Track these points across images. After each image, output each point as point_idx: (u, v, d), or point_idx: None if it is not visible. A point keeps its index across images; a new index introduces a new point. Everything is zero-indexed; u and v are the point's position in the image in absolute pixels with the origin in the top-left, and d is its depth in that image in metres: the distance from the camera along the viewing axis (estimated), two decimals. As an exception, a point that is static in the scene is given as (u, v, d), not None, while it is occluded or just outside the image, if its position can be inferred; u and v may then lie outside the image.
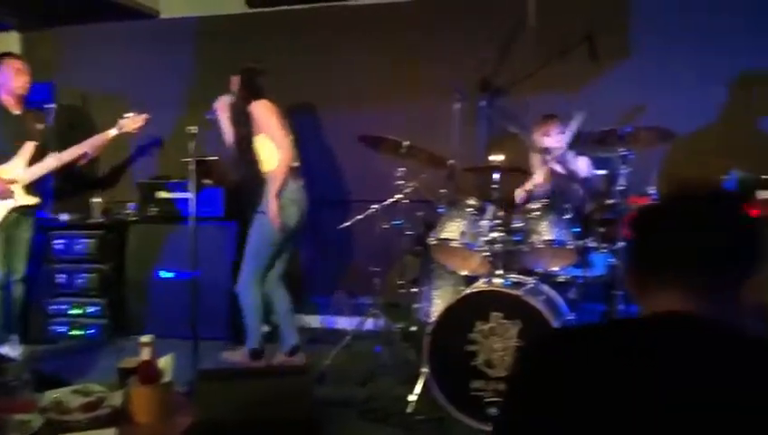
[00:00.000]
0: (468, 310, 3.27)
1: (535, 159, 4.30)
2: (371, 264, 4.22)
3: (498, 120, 4.37)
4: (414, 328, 4.10)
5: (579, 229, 3.53)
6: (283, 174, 3.91)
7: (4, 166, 4.19)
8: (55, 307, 4.92)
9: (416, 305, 4.00)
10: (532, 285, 3.42)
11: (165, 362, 2.22)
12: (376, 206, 4.13)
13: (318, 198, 4.31)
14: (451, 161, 3.97)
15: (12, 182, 4.17)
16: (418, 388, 3.40)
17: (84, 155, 4.49)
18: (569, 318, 3.40)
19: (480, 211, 3.60)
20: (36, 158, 4.28)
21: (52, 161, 4.32)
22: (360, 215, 4.20)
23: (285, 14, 5.34)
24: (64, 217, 5.10)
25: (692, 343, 1.14)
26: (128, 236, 5.02)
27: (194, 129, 3.67)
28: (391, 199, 4.06)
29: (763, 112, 4.48)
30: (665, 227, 1.24)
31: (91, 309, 4.89)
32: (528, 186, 4.21)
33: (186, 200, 4.02)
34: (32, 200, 4.29)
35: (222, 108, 4.11)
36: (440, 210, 3.76)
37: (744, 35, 4.45)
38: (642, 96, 4.56)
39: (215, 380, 2.90)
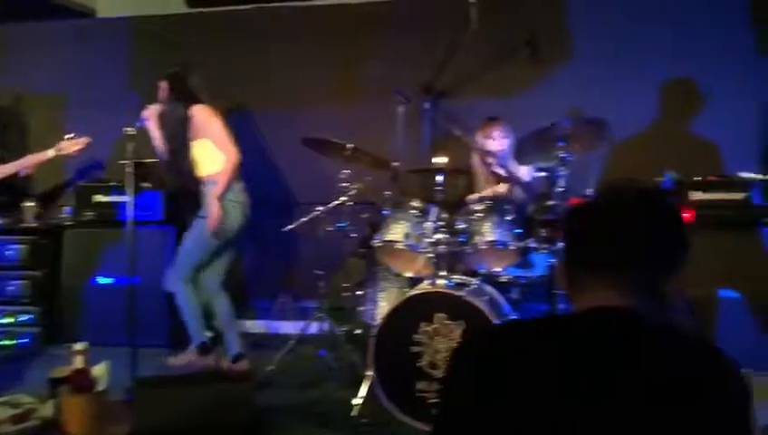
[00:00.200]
0: (412, 312, 3.27)
1: (478, 162, 4.34)
2: (315, 267, 4.18)
3: (442, 123, 4.40)
4: (359, 331, 4.09)
5: (520, 230, 3.58)
6: (229, 176, 3.85)
7: None
8: (-15, 316, 4.71)
9: (360, 308, 3.99)
10: (475, 286, 3.44)
11: (99, 370, 2.15)
12: (320, 208, 4.10)
13: (261, 200, 4.25)
14: (395, 163, 3.97)
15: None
16: (363, 391, 3.38)
17: (18, 173, 4.35)
18: (511, 318, 3.44)
19: (424, 213, 3.62)
20: None
21: None
22: (304, 217, 4.16)
23: (226, 15, 5.27)
24: (-6, 221, 4.89)
25: (622, 336, 1.16)
26: (63, 242, 4.85)
27: (132, 130, 3.57)
28: (335, 202, 4.04)
29: (694, 116, 4.64)
30: (592, 226, 1.27)
31: (23, 317, 4.71)
32: (483, 193, 4.24)
33: (124, 204, 3.91)
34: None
35: (151, 116, 3.99)
36: (384, 212, 3.75)
37: (677, 41, 4.61)
38: (582, 99, 4.66)
39: (153, 387, 2.83)
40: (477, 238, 3.53)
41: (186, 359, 4.12)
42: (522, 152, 3.88)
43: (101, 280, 4.73)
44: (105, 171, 5.18)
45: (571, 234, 1.31)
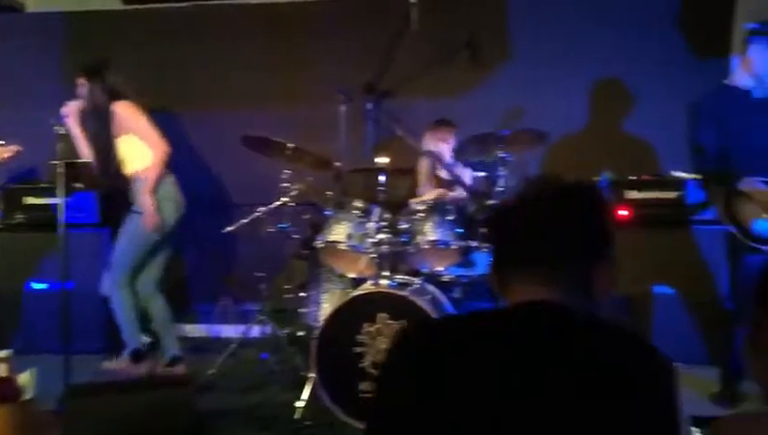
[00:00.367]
0: (355, 312, 3.25)
1: (424, 163, 4.36)
2: (257, 269, 4.11)
3: (384, 123, 4.39)
4: (301, 333, 4.04)
5: (462, 230, 3.60)
6: (159, 170, 3.76)
7: None
8: None
9: (303, 310, 3.95)
10: (417, 286, 3.45)
11: (25, 378, 2.06)
12: (261, 209, 4.04)
13: (201, 201, 4.18)
14: (337, 163, 3.95)
15: None
16: (306, 393, 3.35)
17: None
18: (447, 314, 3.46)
19: (366, 213, 3.60)
20: None
21: None
22: (244, 219, 4.08)
23: (163, 12, 5.15)
24: None
25: (554, 330, 1.17)
26: (-8, 247, 4.64)
27: (62, 129, 3.44)
28: (277, 202, 3.99)
29: (628, 116, 4.76)
30: (518, 223, 1.28)
31: (-53, 326, 4.48)
32: (426, 197, 4.25)
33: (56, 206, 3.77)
34: None
35: (71, 113, 3.84)
36: (327, 213, 3.73)
37: (613, 42, 4.72)
38: (521, 100, 4.74)
39: (87, 395, 2.74)
40: (420, 238, 3.54)
41: (119, 365, 3.99)
42: (462, 153, 3.92)
43: (35, 285, 4.56)
44: (38, 172, 4.98)
45: (498, 231, 1.32)
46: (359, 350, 3.21)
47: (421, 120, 4.45)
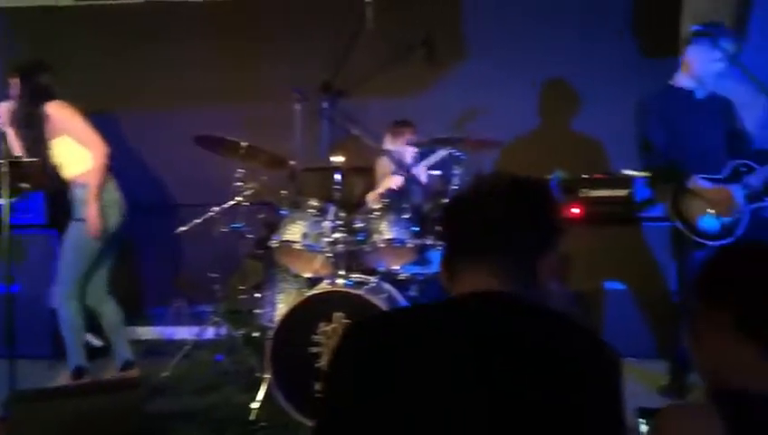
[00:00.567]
0: (311, 312, 3.24)
1: (382, 163, 4.36)
2: (211, 270, 4.05)
3: (340, 122, 4.37)
4: (256, 334, 4.00)
5: (417, 228, 3.61)
6: (101, 174, 3.65)
7: None
8: None
9: (258, 310, 3.90)
10: (374, 284, 3.45)
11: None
12: (215, 209, 3.98)
13: (152, 202, 4.11)
14: (292, 162, 3.92)
15: None
16: (261, 394, 3.32)
17: None
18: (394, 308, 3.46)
19: (322, 212, 3.58)
20: None
21: None
22: (197, 219, 4.01)
23: (115, 9, 5.04)
24: None
25: (504, 320, 1.19)
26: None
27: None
28: (230, 202, 3.94)
29: (580, 115, 4.84)
30: (468, 215, 1.30)
31: None
32: (381, 189, 4.24)
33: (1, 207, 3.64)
34: None
35: (2, 114, 3.68)
36: (282, 212, 3.69)
37: (566, 42, 4.80)
38: (476, 99, 4.77)
39: (32, 401, 2.66)
40: (375, 237, 3.53)
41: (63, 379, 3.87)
42: (419, 152, 3.94)
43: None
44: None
45: (449, 224, 1.34)
46: (314, 350, 3.19)
47: (377, 119, 4.45)
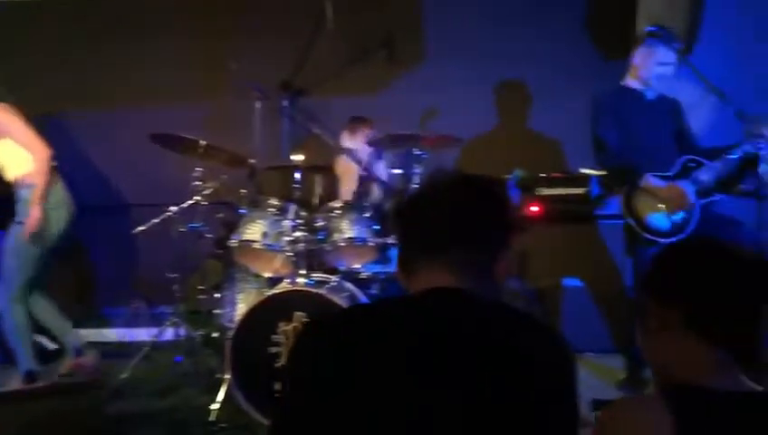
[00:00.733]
0: (271, 312, 3.22)
1: (341, 161, 4.35)
2: (169, 270, 3.99)
3: (300, 121, 4.35)
4: (216, 334, 3.95)
5: (379, 227, 3.62)
6: (44, 176, 3.55)
7: None
8: None
9: (218, 311, 3.86)
10: (335, 283, 3.44)
11: None
12: (173, 208, 3.91)
13: (110, 202, 4.03)
14: (251, 161, 3.89)
15: None
16: (221, 395, 3.28)
17: None
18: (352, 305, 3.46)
19: (282, 211, 3.56)
20: None
21: None
22: (155, 219, 3.95)
23: (67, 3, 4.93)
24: None
25: (455, 314, 1.21)
26: None
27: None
28: (189, 202, 3.88)
29: (540, 114, 4.90)
30: (422, 212, 1.32)
31: None
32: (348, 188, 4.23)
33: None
34: None
35: None
36: (241, 211, 3.66)
37: (526, 43, 4.85)
38: (437, 99, 4.80)
39: (-18, 406, 2.58)
40: (336, 236, 3.53)
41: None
42: (379, 150, 3.95)
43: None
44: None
45: (404, 221, 1.35)
46: (274, 350, 3.17)
47: (338, 118, 4.45)
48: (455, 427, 1.10)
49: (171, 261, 3.99)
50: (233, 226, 3.67)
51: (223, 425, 3.18)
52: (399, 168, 4.16)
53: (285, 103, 4.51)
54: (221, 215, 3.99)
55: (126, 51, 4.89)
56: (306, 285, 3.32)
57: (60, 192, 3.65)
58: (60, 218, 3.63)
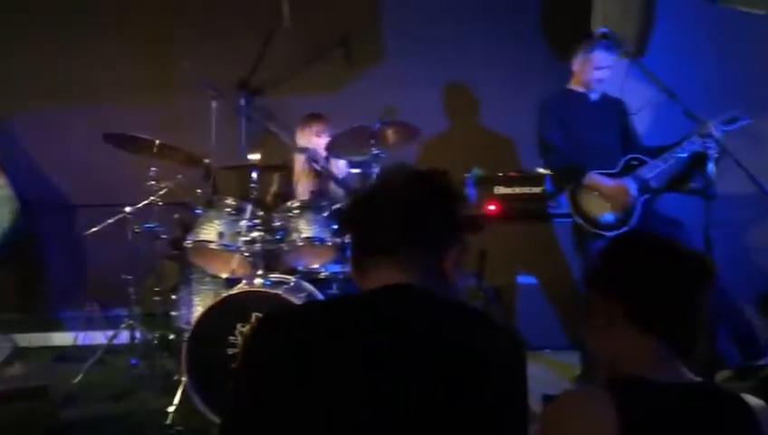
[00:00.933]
0: (228, 313, 3.20)
1: (298, 159, 4.33)
2: (124, 272, 3.92)
3: (257, 120, 4.32)
4: (172, 336, 3.90)
5: (337, 226, 3.61)
6: None
7: None
8: None
9: (175, 313, 3.81)
10: (293, 284, 3.43)
11: None
12: (128, 209, 3.85)
13: (62, 203, 3.94)
14: (206, 160, 3.85)
15: None
16: (178, 398, 3.25)
17: None
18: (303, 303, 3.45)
19: (239, 211, 3.53)
20: None
21: None
22: (110, 219, 3.88)
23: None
24: None
25: (406, 312, 1.22)
26: None
27: None
28: (144, 202, 3.82)
29: (497, 113, 4.96)
30: (370, 212, 1.32)
31: None
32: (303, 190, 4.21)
33: None
34: None
35: None
36: (197, 211, 3.61)
37: (481, 43, 4.89)
38: (394, 98, 4.78)
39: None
40: (294, 235, 3.51)
41: None
42: (336, 148, 3.94)
43: None
44: None
45: (353, 221, 1.35)
46: (231, 351, 3.15)
47: (296, 117, 4.43)
48: (408, 424, 1.11)
49: (126, 262, 3.93)
50: (189, 226, 3.62)
51: (179, 428, 3.15)
52: (357, 166, 4.16)
53: (242, 102, 4.48)
54: (177, 215, 3.94)
55: (80, 49, 4.78)
56: (263, 285, 3.30)
57: (3, 190, 3.56)
58: (2, 216, 3.54)
